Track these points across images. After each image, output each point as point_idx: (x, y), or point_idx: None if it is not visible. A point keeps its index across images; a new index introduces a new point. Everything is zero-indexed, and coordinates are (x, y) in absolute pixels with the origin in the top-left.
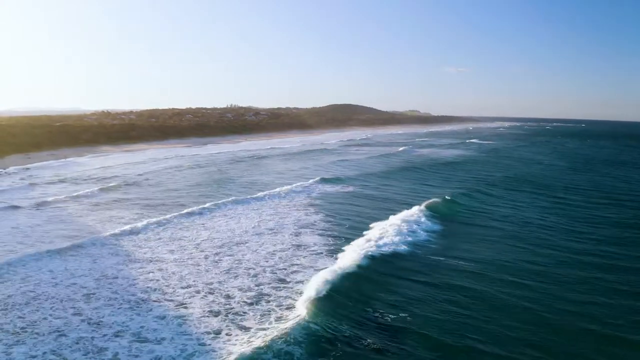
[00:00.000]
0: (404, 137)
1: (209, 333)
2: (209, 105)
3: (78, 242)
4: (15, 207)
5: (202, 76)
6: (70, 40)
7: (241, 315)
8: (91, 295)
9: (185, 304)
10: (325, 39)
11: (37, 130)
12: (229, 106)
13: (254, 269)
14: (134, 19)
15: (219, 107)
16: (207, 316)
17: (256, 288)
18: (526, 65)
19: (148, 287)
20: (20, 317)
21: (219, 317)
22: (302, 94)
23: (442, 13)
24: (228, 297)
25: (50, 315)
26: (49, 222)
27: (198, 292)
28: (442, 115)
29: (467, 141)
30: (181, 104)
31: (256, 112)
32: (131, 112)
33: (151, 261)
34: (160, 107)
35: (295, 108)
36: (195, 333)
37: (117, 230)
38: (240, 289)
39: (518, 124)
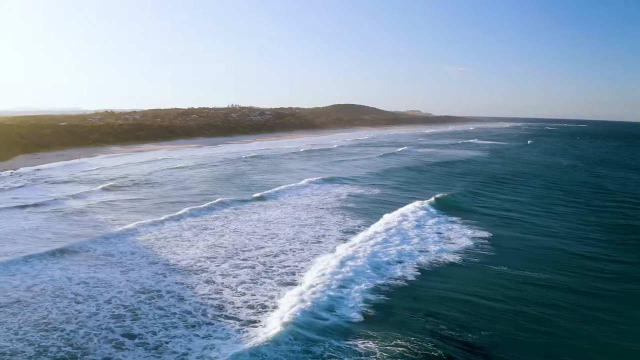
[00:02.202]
0: (421, 138)
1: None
2: (209, 105)
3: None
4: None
5: (202, 76)
6: (69, 40)
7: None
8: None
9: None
10: (324, 39)
11: (44, 131)
12: (229, 106)
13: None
14: (133, 19)
15: (218, 107)
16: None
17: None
18: (526, 65)
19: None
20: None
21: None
22: (303, 94)
23: (442, 13)
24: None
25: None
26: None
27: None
28: (445, 116)
29: (484, 142)
30: (181, 104)
31: (261, 112)
32: (135, 112)
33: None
34: (160, 107)
35: (297, 108)
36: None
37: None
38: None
39: (519, 124)
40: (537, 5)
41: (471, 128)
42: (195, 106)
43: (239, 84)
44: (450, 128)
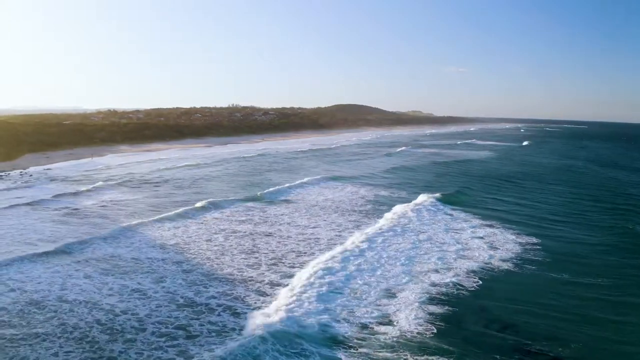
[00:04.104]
0: (429, 138)
1: None
2: (209, 104)
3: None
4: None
5: (202, 76)
6: (69, 39)
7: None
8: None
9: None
10: (324, 39)
11: (50, 129)
12: (230, 105)
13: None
14: (133, 19)
15: (219, 106)
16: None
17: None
18: (526, 66)
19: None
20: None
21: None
22: (303, 94)
23: (442, 13)
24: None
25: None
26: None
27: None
28: (448, 116)
29: (497, 143)
30: (181, 103)
31: (265, 112)
32: (138, 111)
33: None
34: (161, 106)
35: (299, 108)
36: None
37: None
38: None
39: (519, 125)
40: (537, 5)
41: (472, 129)
42: (196, 106)
43: (239, 83)
44: (453, 129)
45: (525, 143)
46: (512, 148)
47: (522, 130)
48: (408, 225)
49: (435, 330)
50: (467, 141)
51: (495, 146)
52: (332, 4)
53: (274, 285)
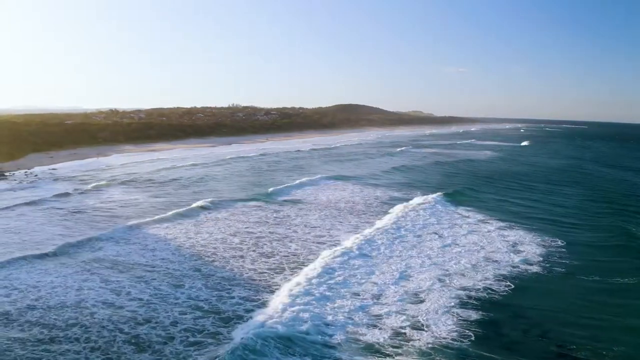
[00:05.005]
0: (432, 138)
1: None
2: (209, 104)
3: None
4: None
5: (201, 76)
6: (69, 39)
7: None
8: None
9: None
10: (324, 39)
11: (53, 129)
12: (230, 105)
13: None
14: (133, 19)
15: (219, 106)
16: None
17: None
18: (526, 66)
19: None
20: None
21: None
22: (303, 94)
23: (442, 13)
24: None
25: None
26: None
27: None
28: (449, 117)
29: (500, 144)
30: (181, 103)
31: (267, 111)
32: (140, 111)
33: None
34: (161, 106)
35: (300, 108)
36: None
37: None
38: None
39: (519, 125)
40: (537, 5)
41: (473, 129)
42: (196, 105)
43: (238, 83)
44: (454, 129)
45: (526, 143)
46: (516, 148)
47: (521, 130)
48: (424, 227)
49: (472, 337)
50: (470, 141)
51: (499, 146)
52: (332, 3)
53: (293, 293)
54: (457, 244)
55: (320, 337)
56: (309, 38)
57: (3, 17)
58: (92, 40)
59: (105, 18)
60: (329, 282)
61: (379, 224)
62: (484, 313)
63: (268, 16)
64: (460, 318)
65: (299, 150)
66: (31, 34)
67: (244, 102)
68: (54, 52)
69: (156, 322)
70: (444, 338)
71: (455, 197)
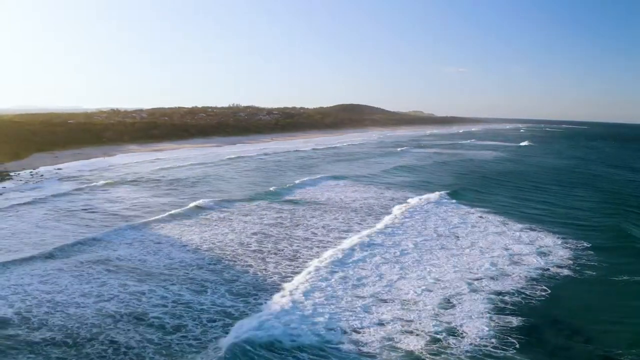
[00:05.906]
0: (437, 138)
1: None
2: (210, 104)
3: None
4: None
5: (202, 76)
6: (69, 39)
7: None
8: None
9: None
10: (324, 39)
11: (57, 129)
12: (232, 105)
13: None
14: (133, 19)
15: (220, 106)
16: None
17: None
18: (526, 66)
19: None
20: None
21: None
22: (303, 94)
23: (442, 13)
24: None
25: None
26: None
27: None
28: (451, 117)
29: (504, 144)
30: (182, 103)
31: (269, 111)
32: (142, 111)
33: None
34: (162, 106)
35: (302, 108)
36: None
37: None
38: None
39: (519, 125)
40: (537, 5)
41: (474, 129)
42: (197, 105)
43: (239, 83)
44: (455, 129)
45: (527, 143)
46: (520, 148)
47: (521, 131)
48: (441, 228)
49: (517, 345)
50: (472, 141)
51: (504, 146)
52: (332, 3)
53: (317, 301)
54: (479, 246)
55: (354, 346)
56: (309, 38)
57: (3, 17)
58: (92, 40)
59: (105, 18)
60: (354, 283)
61: (394, 221)
62: (522, 318)
63: (268, 16)
64: (498, 324)
65: (304, 150)
66: (31, 34)
67: (244, 102)
68: (54, 52)
69: (187, 330)
70: (484, 346)
71: (468, 198)
